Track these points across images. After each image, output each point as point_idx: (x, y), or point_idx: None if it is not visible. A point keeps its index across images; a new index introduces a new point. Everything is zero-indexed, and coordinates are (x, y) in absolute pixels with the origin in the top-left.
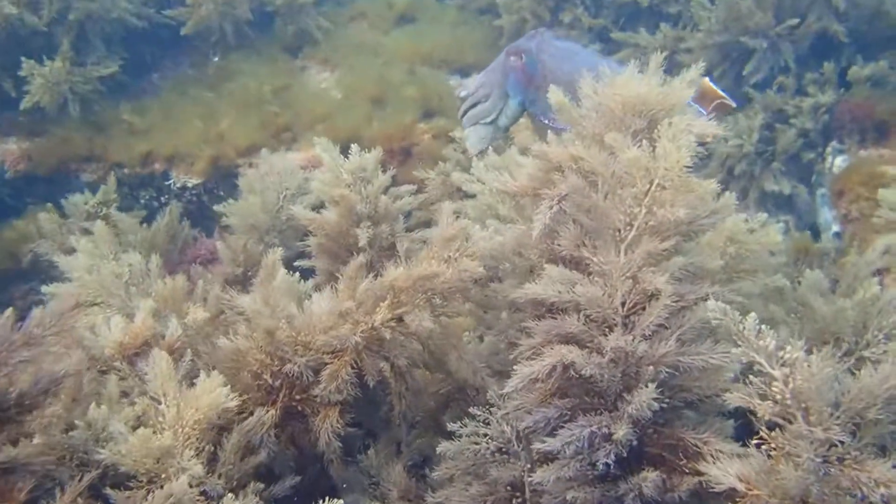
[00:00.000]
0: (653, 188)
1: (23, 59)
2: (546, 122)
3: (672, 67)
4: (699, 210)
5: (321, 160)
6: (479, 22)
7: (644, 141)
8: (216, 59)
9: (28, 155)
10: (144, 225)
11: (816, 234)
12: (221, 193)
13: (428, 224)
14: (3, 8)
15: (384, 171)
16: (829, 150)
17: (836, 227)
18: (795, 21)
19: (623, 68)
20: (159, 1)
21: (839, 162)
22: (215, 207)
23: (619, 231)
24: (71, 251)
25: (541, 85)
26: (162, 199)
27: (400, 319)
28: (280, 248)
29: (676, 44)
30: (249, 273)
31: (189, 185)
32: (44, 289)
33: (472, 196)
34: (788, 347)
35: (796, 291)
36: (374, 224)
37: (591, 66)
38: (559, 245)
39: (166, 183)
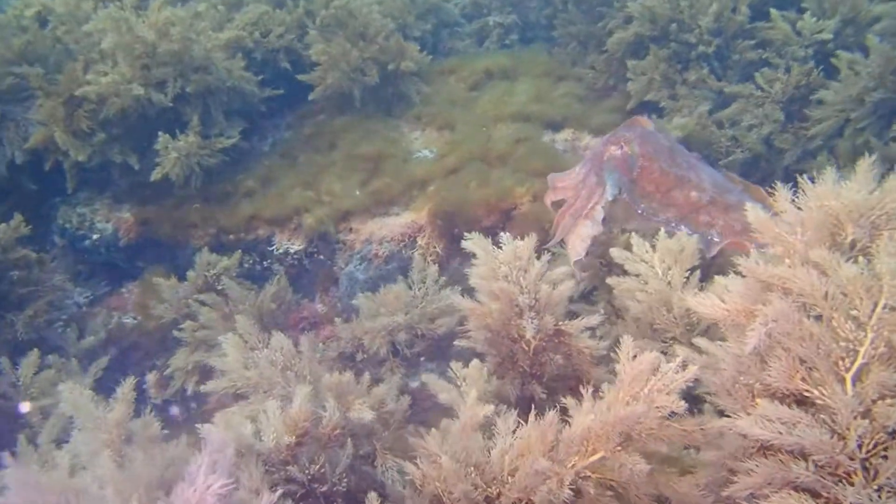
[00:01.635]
0: (879, 309)
1: (160, 133)
2: (639, 211)
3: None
4: None
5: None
6: (572, 76)
7: (860, 257)
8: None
9: (142, 222)
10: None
11: None
12: (322, 257)
13: None
14: (132, 90)
15: (538, 257)
16: None
17: None
18: None
19: (710, 169)
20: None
21: None
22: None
23: (843, 360)
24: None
25: (637, 178)
26: (264, 263)
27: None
28: (474, 389)
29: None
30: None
31: (291, 250)
32: (203, 389)
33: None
34: None
35: None
36: (538, 314)
37: (689, 166)
38: (769, 376)
39: (269, 248)
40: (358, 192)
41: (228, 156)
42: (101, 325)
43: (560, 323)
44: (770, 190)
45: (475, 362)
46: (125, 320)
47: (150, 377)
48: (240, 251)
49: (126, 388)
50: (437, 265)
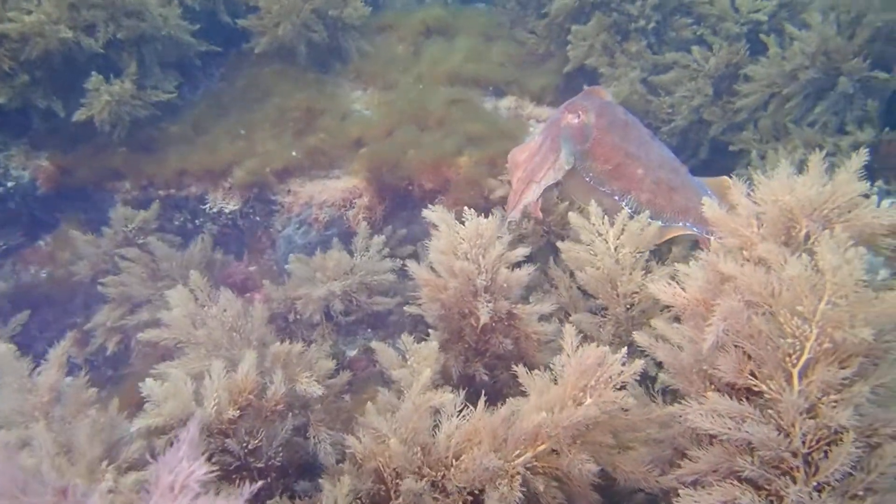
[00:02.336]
0: (822, 305)
1: (93, 73)
2: (587, 179)
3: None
4: (887, 325)
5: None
6: (511, 36)
7: (804, 255)
8: None
9: (62, 171)
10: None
11: None
12: (258, 219)
13: None
14: (59, 32)
15: (500, 237)
16: (873, 190)
17: (884, 273)
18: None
19: (662, 147)
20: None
21: (886, 204)
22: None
23: (789, 357)
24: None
25: (591, 148)
26: (196, 221)
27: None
28: (428, 369)
29: (734, 70)
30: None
31: (226, 210)
32: (140, 336)
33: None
34: None
35: None
36: (493, 296)
37: (641, 142)
38: (719, 370)
39: (202, 207)
40: (295, 153)
41: (159, 109)
42: (9, 274)
43: (513, 307)
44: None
45: (432, 343)
46: (42, 274)
47: (70, 335)
48: (157, 202)
49: (59, 351)
50: (383, 233)
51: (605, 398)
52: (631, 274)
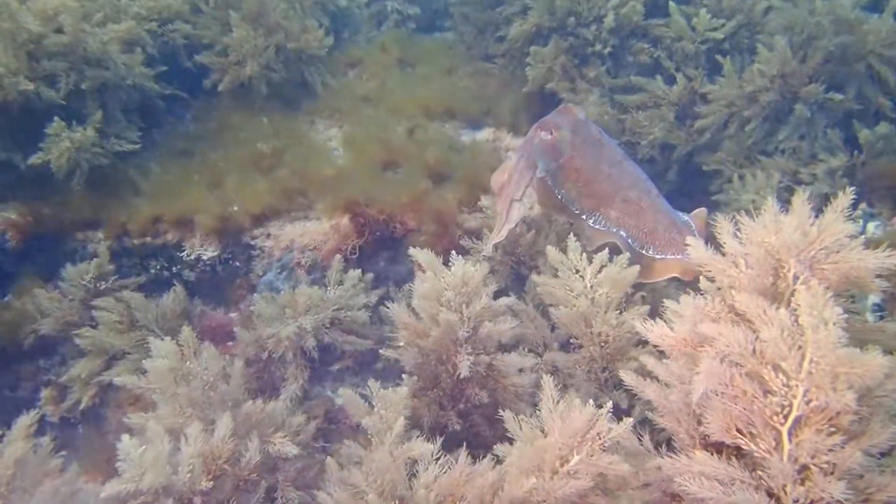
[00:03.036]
0: (806, 364)
1: (55, 118)
2: (559, 196)
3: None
4: (872, 383)
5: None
6: (476, 68)
7: (783, 308)
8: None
9: (31, 222)
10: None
11: None
12: (237, 265)
13: None
14: (19, 84)
15: (485, 283)
16: (857, 213)
17: (874, 299)
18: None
19: (634, 167)
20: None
21: (872, 228)
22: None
23: (777, 415)
24: (82, 326)
25: (563, 165)
26: (174, 269)
27: None
28: (401, 418)
29: (693, 96)
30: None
31: (204, 256)
32: (117, 380)
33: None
34: None
35: None
36: (474, 349)
37: (613, 162)
38: (707, 428)
39: (179, 254)
40: (269, 195)
41: (120, 158)
42: None
43: (493, 357)
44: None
45: (402, 390)
46: None
47: (45, 392)
48: (107, 249)
49: (26, 421)
50: (359, 269)
51: (598, 465)
52: (606, 313)
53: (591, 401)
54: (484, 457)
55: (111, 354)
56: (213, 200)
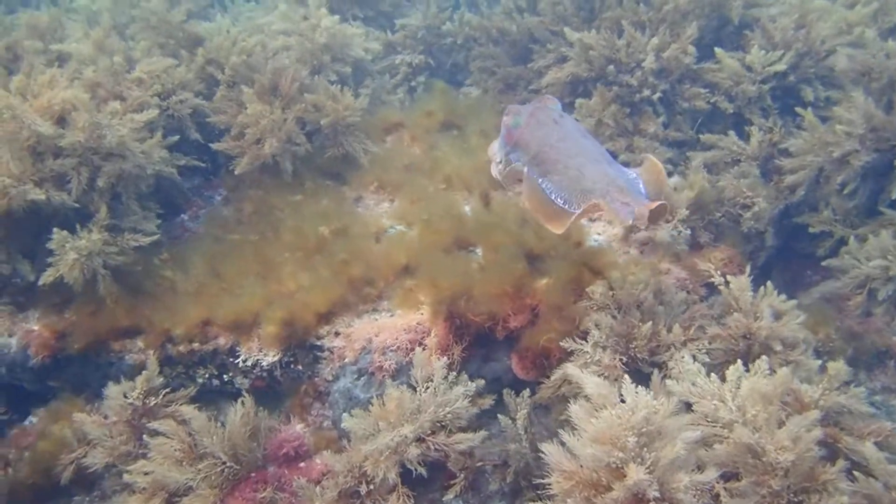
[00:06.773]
0: None
1: (55, 230)
2: (522, 165)
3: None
4: None
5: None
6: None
7: None
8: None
9: (58, 335)
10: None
11: None
12: (300, 368)
13: None
14: (26, 193)
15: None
16: None
17: None
18: None
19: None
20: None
21: None
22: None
23: None
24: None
25: (517, 143)
26: (224, 377)
27: None
28: None
29: (772, 149)
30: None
31: (264, 362)
32: None
33: None
34: None
35: None
36: None
37: (564, 136)
38: None
39: (234, 360)
40: (336, 287)
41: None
42: None
43: None
44: None
45: None
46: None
47: None
48: (156, 360)
49: None
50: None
51: None
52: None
53: None
54: None
55: (171, 491)
56: (272, 297)
